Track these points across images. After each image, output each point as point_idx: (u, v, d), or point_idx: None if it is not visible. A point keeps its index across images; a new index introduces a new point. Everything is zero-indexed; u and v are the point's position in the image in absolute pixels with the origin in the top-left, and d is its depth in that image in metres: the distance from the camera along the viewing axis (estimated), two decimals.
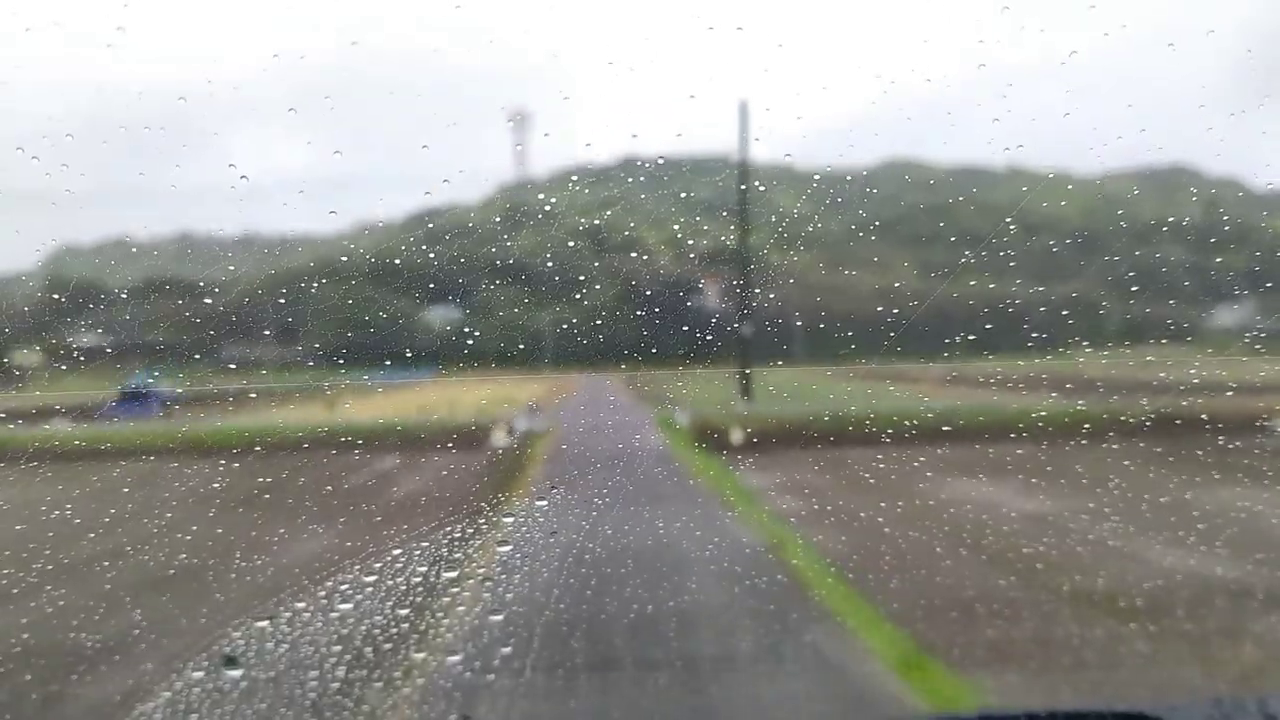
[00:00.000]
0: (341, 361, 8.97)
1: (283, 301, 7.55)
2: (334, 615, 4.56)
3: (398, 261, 7.96)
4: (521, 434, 13.35)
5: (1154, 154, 8.29)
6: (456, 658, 4.65)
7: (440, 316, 10.08)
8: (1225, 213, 8.47)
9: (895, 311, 7.41)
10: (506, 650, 4.95)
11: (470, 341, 8.91)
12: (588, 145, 8.50)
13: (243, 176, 6.22)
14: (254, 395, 8.75)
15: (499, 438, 13.07)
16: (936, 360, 8.60)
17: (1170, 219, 8.46)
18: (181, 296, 8.06)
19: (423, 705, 4.40)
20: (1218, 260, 8.87)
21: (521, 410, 14.14)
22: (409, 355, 8.65)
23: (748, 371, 12.58)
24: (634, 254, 8.96)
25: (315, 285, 7.80)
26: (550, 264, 8.39)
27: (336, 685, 4.24)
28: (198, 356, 8.01)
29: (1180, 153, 8.38)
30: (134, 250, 8.30)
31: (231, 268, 8.06)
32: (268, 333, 8.17)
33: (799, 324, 9.78)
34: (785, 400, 13.92)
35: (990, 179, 8.56)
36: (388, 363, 8.97)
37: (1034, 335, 8.04)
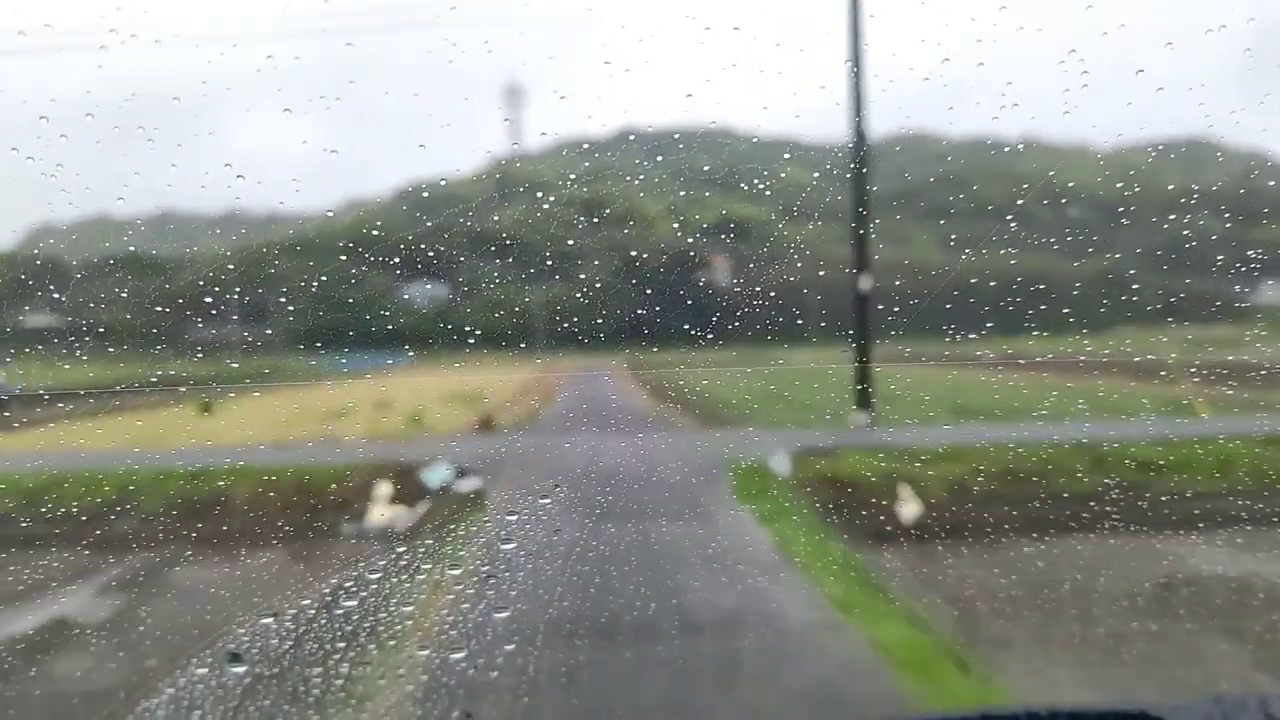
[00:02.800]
0: (297, 347, 7.76)
1: (245, 281, 7.11)
2: (338, 612, 4.55)
3: (370, 236, 7.39)
4: (431, 503, 7.91)
5: None
6: (460, 655, 4.63)
7: (414, 297, 8.68)
8: None
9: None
10: (510, 648, 4.94)
11: (446, 326, 7.63)
12: (585, 146, 8.51)
13: (239, 176, 6.22)
14: (119, 397, 7.02)
15: (376, 517, 7.65)
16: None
17: None
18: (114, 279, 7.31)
19: (426, 702, 4.38)
20: None
21: (464, 430, 9.10)
22: (358, 341, 7.33)
23: (866, 366, 7.46)
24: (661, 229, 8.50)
25: (277, 264, 7.33)
26: (554, 239, 7.61)
27: (340, 681, 4.22)
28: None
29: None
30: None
31: (196, 247, 7.61)
32: (200, 321, 7.43)
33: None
34: (937, 412, 7.48)
35: (991, 160, 8.69)
36: (344, 350, 7.50)
37: None
